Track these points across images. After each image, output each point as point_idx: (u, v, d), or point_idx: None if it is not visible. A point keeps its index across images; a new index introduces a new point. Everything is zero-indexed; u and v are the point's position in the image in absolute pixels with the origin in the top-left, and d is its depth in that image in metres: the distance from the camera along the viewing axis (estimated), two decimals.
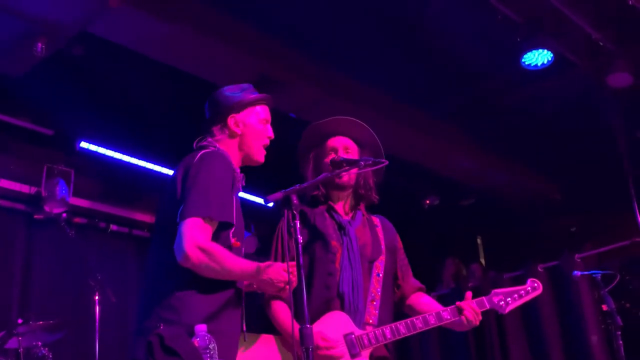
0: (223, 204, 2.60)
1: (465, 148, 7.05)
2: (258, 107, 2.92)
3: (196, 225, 2.48)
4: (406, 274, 3.32)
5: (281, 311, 3.02)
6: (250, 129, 2.87)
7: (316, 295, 3.01)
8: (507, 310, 3.12)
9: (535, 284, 3.23)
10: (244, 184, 2.83)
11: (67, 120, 5.93)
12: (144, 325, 2.49)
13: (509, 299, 3.13)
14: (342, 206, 3.27)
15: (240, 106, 2.87)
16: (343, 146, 3.25)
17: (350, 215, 3.26)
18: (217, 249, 2.51)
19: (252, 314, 2.87)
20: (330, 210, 3.24)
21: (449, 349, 6.55)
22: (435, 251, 8.09)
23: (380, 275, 3.13)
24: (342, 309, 2.99)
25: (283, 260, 2.92)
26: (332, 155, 3.15)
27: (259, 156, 2.91)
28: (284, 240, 2.60)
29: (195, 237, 2.46)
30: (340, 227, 3.17)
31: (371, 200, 3.29)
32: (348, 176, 3.17)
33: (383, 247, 3.22)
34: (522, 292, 3.19)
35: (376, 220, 3.35)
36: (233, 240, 2.65)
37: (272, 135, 2.94)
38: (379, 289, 3.09)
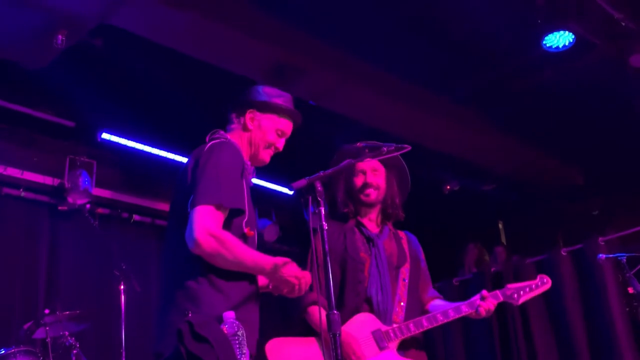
0: (233, 191, 2.57)
1: (485, 132, 6.99)
2: (282, 118, 2.90)
3: (207, 212, 2.46)
4: (426, 285, 3.49)
5: (318, 313, 3.06)
6: (262, 132, 2.86)
7: (347, 302, 3.17)
8: (519, 302, 3.36)
9: (545, 280, 3.44)
10: (254, 176, 2.82)
11: (88, 111, 5.96)
12: (168, 318, 2.49)
13: (521, 292, 3.37)
14: (370, 221, 3.44)
15: (263, 106, 2.87)
16: (371, 168, 3.43)
17: (378, 229, 3.44)
18: (229, 237, 2.48)
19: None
20: (359, 225, 3.42)
21: (472, 338, 6.54)
22: (456, 237, 8.07)
23: (406, 280, 3.31)
24: (372, 311, 3.16)
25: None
26: (361, 177, 3.39)
27: (264, 156, 2.89)
28: (317, 250, 2.63)
29: (206, 224, 2.43)
30: (369, 240, 3.35)
31: (398, 217, 3.50)
32: (376, 194, 3.41)
33: (408, 256, 3.40)
34: (533, 286, 3.42)
35: (402, 234, 3.55)
36: (246, 230, 2.61)
37: (280, 148, 2.91)
38: (405, 292, 3.27)
